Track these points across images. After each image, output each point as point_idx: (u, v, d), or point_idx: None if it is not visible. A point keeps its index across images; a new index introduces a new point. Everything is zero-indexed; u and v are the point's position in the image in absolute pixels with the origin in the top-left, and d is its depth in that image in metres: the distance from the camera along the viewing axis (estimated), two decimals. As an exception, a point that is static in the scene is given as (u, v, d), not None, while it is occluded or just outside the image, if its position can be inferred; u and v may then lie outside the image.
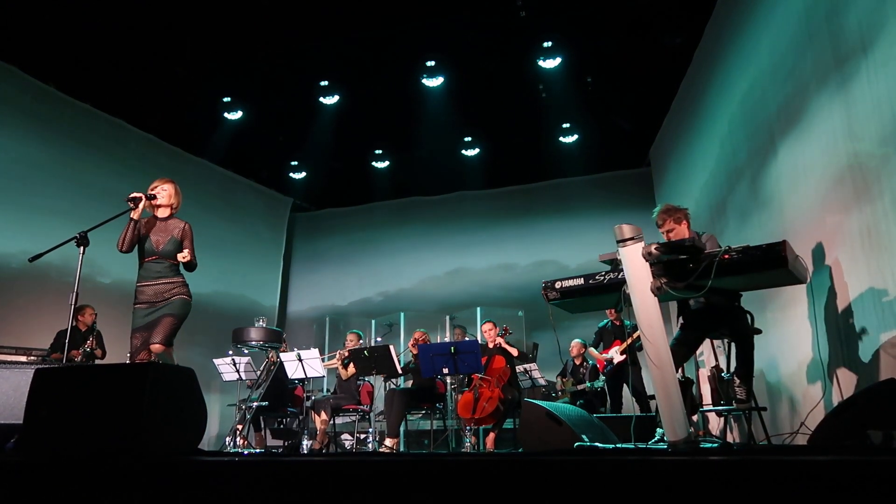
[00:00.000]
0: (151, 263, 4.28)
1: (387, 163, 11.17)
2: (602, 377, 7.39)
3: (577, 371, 7.65)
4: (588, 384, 7.33)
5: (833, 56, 4.32)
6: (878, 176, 3.82)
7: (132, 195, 4.28)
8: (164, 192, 4.38)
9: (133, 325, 4.23)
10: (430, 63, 8.50)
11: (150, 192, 4.36)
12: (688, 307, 4.13)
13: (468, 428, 6.52)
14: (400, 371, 6.57)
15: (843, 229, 4.29)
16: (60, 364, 5.33)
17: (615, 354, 6.89)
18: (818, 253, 4.57)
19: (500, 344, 6.63)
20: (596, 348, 7.27)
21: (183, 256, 4.18)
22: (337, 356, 7.24)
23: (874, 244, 3.88)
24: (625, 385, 6.77)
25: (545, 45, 8.06)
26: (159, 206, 4.37)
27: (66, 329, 4.07)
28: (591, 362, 7.68)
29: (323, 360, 6.88)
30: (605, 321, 7.24)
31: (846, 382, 4.22)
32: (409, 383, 7.26)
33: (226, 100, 9.14)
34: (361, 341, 7.47)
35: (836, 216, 4.40)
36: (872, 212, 3.87)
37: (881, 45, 3.75)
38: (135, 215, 4.26)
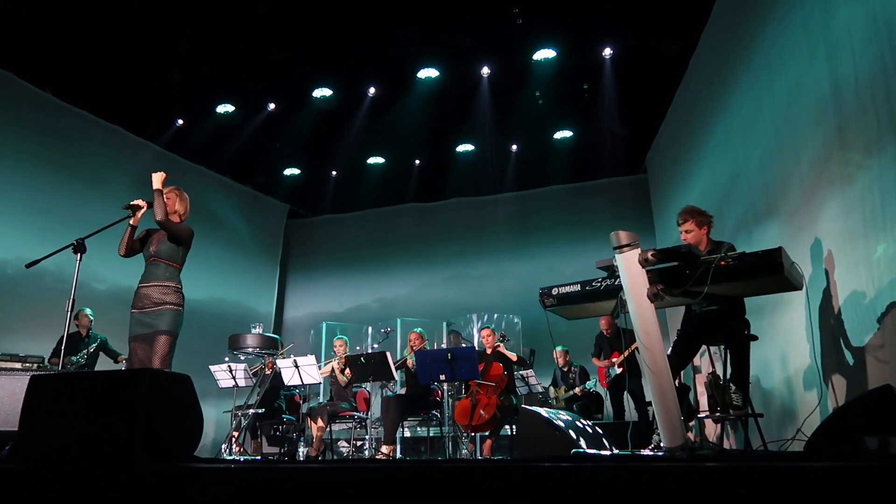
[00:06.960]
0: (147, 266, 4.30)
1: (383, 169, 11.18)
2: (594, 380, 7.41)
3: (567, 377, 7.67)
4: (580, 386, 7.34)
5: (827, 63, 4.35)
6: (871, 183, 3.83)
7: (131, 203, 4.32)
8: (168, 202, 4.42)
9: (129, 331, 4.22)
10: (427, 68, 8.52)
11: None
12: (692, 313, 4.14)
13: (465, 435, 6.49)
14: (394, 368, 6.40)
15: (841, 236, 4.30)
16: (57, 370, 5.32)
17: (614, 365, 6.94)
18: (814, 259, 4.59)
19: (498, 349, 6.62)
20: (599, 358, 7.31)
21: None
22: (334, 364, 7.17)
23: (872, 251, 3.89)
24: (626, 392, 6.79)
25: (541, 50, 8.09)
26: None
27: (68, 335, 4.08)
28: (576, 366, 7.70)
29: (319, 367, 6.85)
30: (600, 330, 7.31)
31: (842, 389, 4.22)
32: (405, 390, 7.22)
33: (222, 105, 9.14)
34: (347, 347, 7.40)
35: (832, 223, 4.42)
36: (872, 218, 3.88)
37: (870, 49, 3.78)
38: (133, 222, 4.29)
